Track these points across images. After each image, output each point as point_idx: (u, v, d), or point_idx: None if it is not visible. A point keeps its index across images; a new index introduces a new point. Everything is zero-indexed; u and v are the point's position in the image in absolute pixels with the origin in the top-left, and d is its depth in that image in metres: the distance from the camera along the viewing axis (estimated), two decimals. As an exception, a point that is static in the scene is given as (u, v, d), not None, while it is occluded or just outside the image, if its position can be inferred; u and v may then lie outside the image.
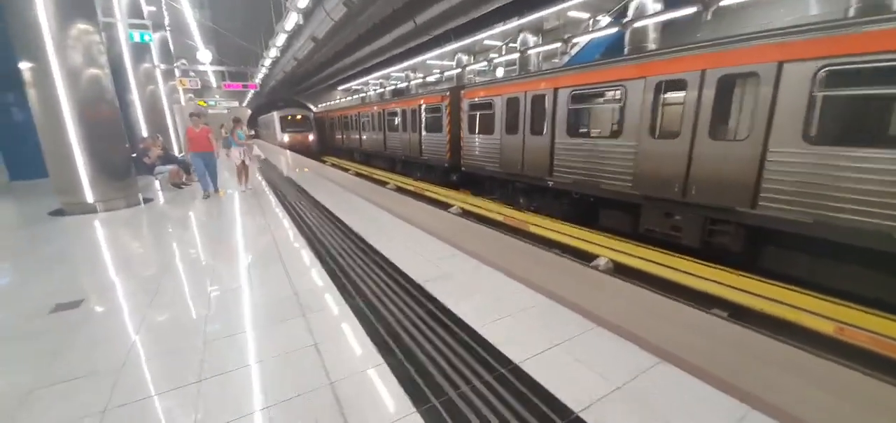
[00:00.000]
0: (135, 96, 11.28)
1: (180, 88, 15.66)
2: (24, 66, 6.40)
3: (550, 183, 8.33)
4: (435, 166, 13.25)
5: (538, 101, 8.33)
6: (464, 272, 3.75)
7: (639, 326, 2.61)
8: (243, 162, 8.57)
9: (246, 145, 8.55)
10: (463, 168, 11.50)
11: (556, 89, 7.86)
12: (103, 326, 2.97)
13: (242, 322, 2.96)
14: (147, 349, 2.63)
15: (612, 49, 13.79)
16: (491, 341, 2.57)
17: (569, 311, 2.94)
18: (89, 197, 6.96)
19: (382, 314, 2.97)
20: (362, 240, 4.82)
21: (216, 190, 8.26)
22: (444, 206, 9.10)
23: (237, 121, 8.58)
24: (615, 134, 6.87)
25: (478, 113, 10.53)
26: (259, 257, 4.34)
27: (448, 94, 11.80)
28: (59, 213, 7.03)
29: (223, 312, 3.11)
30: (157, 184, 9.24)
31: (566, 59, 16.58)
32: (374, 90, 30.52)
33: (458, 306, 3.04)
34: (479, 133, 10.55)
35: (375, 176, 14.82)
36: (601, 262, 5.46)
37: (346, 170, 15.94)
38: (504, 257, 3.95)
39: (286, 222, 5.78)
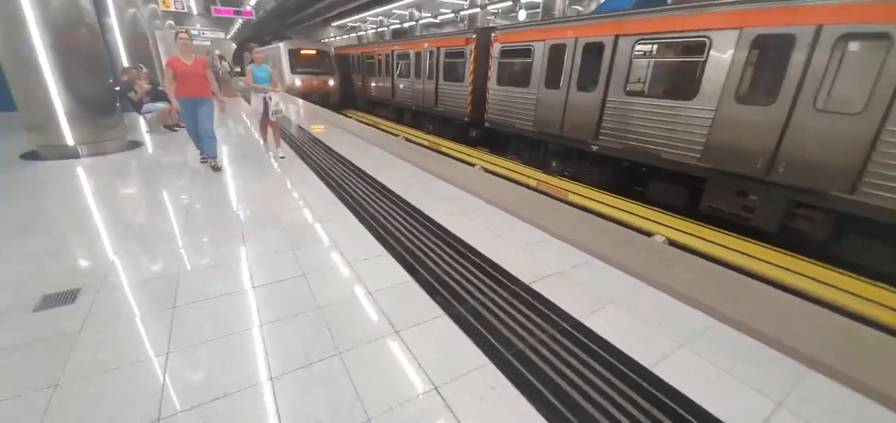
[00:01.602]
0: (113, 19, 9.70)
1: (162, 8, 13.61)
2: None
3: (595, 147, 7.54)
4: (451, 120, 12.23)
5: (592, 49, 7.34)
6: (584, 271, 3.05)
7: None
8: (270, 120, 6.00)
9: (275, 91, 6.00)
10: (486, 124, 10.54)
11: (617, 37, 6.88)
12: (113, 336, 2.18)
13: (316, 350, 2.22)
14: (183, 395, 1.88)
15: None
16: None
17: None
18: (69, 139, 5.89)
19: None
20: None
21: (213, 158, 5.48)
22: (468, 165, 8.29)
23: (253, 50, 6.00)
24: (688, 95, 6.04)
25: (511, 61, 9.45)
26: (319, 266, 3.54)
27: (474, 36, 10.60)
28: (32, 156, 5.97)
29: (292, 337, 2.36)
30: (143, 125, 8.11)
31: (593, 5, 15.25)
32: (373, 30, 28.12)
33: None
34: (510, 85, 9.52)
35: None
36: (658, 240, 4.83)
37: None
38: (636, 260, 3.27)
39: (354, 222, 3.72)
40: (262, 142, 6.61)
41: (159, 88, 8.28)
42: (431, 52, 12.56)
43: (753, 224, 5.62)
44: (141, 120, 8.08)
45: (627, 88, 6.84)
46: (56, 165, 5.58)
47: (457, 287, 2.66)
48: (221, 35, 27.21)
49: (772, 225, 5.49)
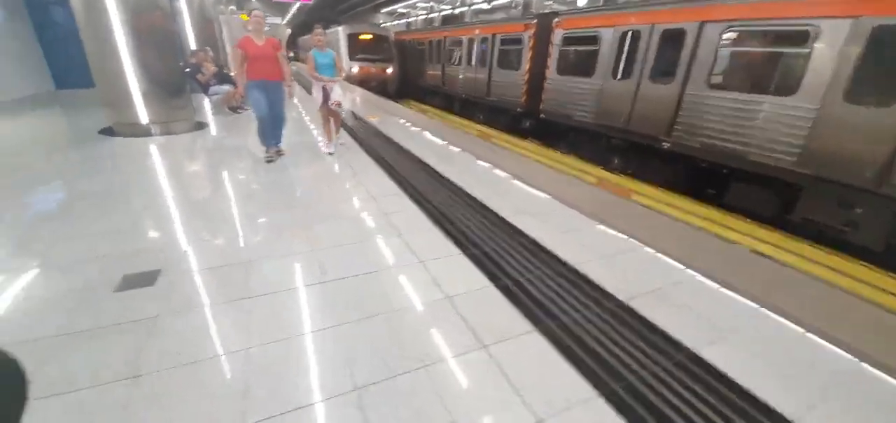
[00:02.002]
0: (183, 3, 10.13)
1: None
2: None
3: (666, 145, 6.93)
4: (504, 110, 11.80)
5: (670, 37, 6.70)
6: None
7: None
8: (330, 109, 5.33)
9: (339, 81, 5.38)
10: (542, 115, 10.06)
11: (702, 24, 6.21)
12: (191, 326, 2.11)
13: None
14: (263, 403, 1.76)
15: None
16: None
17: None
18: (143, 117, 6.14)
19: (587, 350, 2.00)
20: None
21: (278, 146, 5.25)
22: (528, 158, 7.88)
23: (316, 33, 5.21)
24: (785, 91, 5.34)
25: (574, 49, 8.90)
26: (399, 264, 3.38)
27: (534, 21, 10.09)
28: (108, 132, 6.30)
29: (381, 339, 2.21)
30: (208, 106, 8.39)
31: None
32: (423, 16, 27.85)
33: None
34: (571, 74, 8.98)
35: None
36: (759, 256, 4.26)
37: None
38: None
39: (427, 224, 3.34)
40: (322, 135, 5.91)
41: (225, 70, 8.51)
42: (485, 39, 12.16)
43: (853, 240, 4.92)
44: (206, 101, 8.36)
45: (711, 81, 6.18)
46: (130, 142, 5.83)
47: (543, 299, 2.38)
48: (278, 20, 27.93)
49: (878, 244, 4.78)
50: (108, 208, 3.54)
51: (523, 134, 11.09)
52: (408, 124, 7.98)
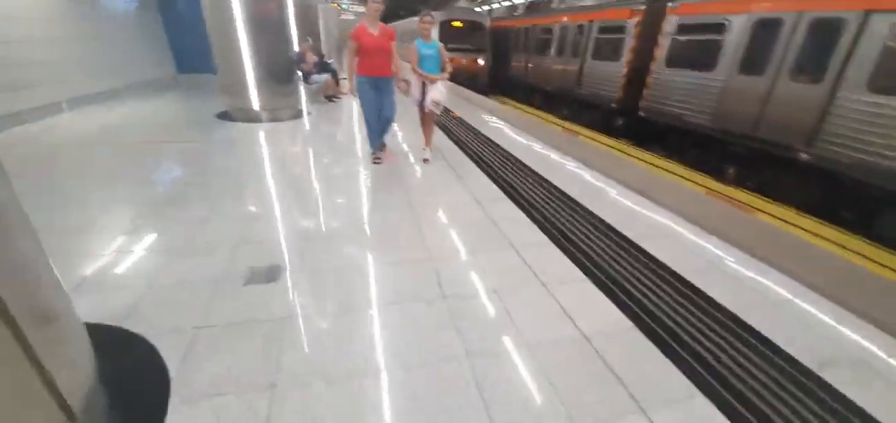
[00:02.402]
0: (287, -7, 10.74)
1: None
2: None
3: (805, 156, 5.86)
4: (594, 106, 10.97)
5: (823, 28, 5.61)
6: None
7: None
8: (428, 109, 4.61)
9: (445, 77, 4.63)
10: (641, 113, 9.14)
11: (867, 12, 5.10)
12: (321, 333, 2.07)
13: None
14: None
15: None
16: None
17: None
18: (255, 103, 6.58)
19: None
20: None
21: (382, 148, 4.82)
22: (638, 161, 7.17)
23: (423, 19, 4.44)
24: None
25: (691, 38, 7.89)
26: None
27: (643, 8, 9.14)
28: (225, 116, 6.85)
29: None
30: (304, 94, 8.75)
31: None
32: (505, 4, 26.91)
33: None
34: (685, 68, 7.99)
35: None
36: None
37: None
38: None
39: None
40: (423, 144, 5.03)
41: (326, 59, 8.85)
42: (580, 27, 11.35)
43: None
44: (302, 89, 8.72)
45: (873, 82, 5.06)
46: (244, 128, 6.26)
47: (704, 353, 1.99)
48: (364, 8, 28.71)
49: None
50: (230, 192, 3.75)
51: (614, 133, 10.23)
52: (501, 122, 7.63)
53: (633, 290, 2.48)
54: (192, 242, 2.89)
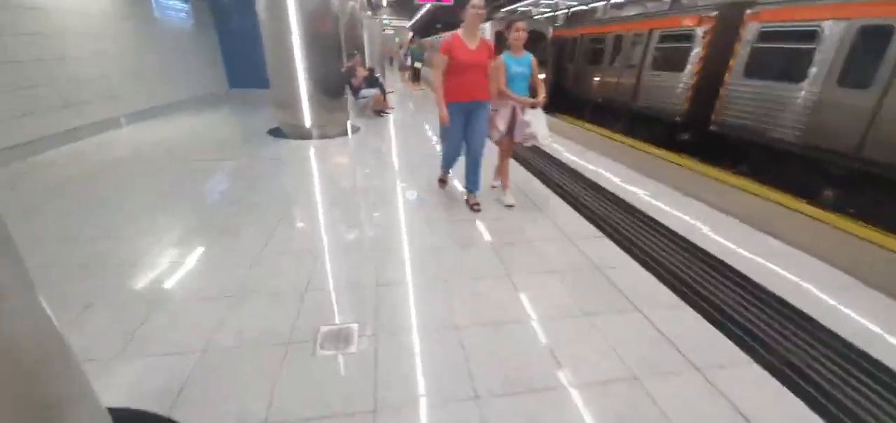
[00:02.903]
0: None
1: None
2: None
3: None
4: (653, 119, 10.06)
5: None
6: None
7: None
8: (522, 141, 3.62)
9: (540, 101, 3.58)
10: (713, 127, 8.25)
11: None
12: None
13: None
14: None
15: None
16: None
17: None
18: (307, 120, 6.30)
19: None
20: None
21: (474, 192, 3.75)
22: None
23: (515, 28, 3.45)
24: None
25: (776, 46, 7.01)
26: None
27: (714, 14, 8.29)
28: (276, 133, 6.62)
29: None
30: (352, 108, 8.43)
31: None
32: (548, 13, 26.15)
33: None
34: (768, 78, 7.11)
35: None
36: None
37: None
38: None
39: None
40: (497, 181, 4.13)
41: (375, 74, 8.56)
42: (637, 35, 10.56)
43: None
44: (350, 104, 8.43)
45: None
46: (295, 145, 5.98)
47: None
48: (405, 23, 28.81)
49: None
50: (286, 220, 3.37)
51: (677, 149, 9.30)
52: (575, 144, 6.83)
53: (802, 367, 1.82)
54: (251, 284, 2.48)
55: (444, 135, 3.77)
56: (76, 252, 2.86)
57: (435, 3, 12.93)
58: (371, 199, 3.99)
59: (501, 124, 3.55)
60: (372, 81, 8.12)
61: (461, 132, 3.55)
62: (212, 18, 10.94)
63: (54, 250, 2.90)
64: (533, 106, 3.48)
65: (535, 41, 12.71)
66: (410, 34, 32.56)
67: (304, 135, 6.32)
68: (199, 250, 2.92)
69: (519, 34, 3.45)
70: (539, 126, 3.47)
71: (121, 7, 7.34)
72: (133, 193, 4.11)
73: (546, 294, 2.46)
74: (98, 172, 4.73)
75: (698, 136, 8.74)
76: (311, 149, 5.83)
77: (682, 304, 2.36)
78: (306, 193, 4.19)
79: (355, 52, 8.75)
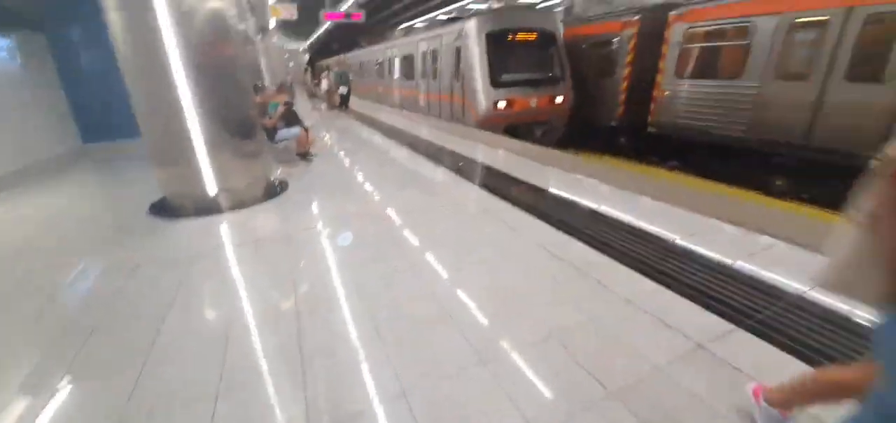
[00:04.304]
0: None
1: (273, 17, 11.77)
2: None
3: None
4: (590, 126, 9.64)
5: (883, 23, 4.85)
6: None
7: None
8: None
9: None
10: (651, 128, 8.15)
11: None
12: None
13: None
14: None
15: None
16: None
17: None
18: (209, 182, 4.38)
19: None
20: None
21: None
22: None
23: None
24: None
25: (706, 46, 7.01)
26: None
27: (636, 19, 8.17)
28: (163, 210, 4.48)
29: None
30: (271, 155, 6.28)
31: None
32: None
33: None
34: (703, 78, 7.10)
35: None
36: None
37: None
38: None
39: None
40: None
41: (293, 108, 6.71)
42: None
43: None
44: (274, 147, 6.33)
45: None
46: (196, 230, 3.98)
47: None
48: (301, 45, 25.78)
49: None
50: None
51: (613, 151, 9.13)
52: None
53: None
54: None
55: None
56: None
57: (344, 20, 11.29)
58: (345, 356, 2.46)
59: None
60: (291, 118, 6.31)
61: None
62: (49, 54, 7.87)
63: None
64: None
65: (545, 47, 8.76)
66: (305, 57, 29.79)
67: (208, 206, 4.36)
68: None
69: None
70: None
71: None
72: None
73: None
74: None
75: (637, 139, 8.62)
76: (224, 232, 3.96)
77: None
78: (230, 347, 2.41)
79: (258, 82, 6.82)
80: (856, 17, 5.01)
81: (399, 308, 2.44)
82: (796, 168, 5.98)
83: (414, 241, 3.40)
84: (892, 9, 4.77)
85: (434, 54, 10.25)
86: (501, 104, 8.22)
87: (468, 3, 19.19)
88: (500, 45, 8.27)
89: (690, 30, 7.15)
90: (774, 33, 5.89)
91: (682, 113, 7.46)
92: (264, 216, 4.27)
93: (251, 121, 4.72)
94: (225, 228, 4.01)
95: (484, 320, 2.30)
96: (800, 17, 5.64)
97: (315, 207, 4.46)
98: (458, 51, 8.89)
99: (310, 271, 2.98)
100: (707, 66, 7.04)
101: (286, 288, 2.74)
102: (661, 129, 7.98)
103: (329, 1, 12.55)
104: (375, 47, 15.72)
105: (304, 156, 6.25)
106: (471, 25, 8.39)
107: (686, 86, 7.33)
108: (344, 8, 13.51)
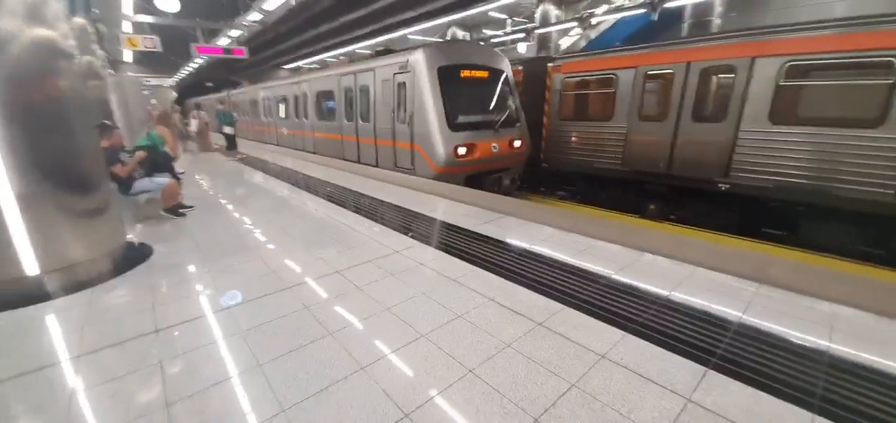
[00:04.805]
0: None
1: (129, 48, 9.64)
2: None
3: (724, 186, 6.19)
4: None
5: (714, 75, 6.10)
6: None
7: None
8: None
9: None
10: (544, 164, 8.88)
11: (753, 59, 5.66)
12: None
13: None
14: None
15: (644, 32, 12.07)
16: None
17: None
18: (26, 259, 3.09)
19: None
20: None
21: None
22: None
23: None
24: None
25: (581, 93, 7.96)
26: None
27: (520, 68, 8.95)
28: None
29: None
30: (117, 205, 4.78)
31: (582, 42, 14.53)
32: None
33: None
34: (581, 120, 8.02)
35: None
36: None
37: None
38: None
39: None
40: None
41: (161, 151, 5.36)
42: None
43: None
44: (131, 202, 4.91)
45: (776, 116, 5.60)
46: (11, 325, 2.75)
47: None
48: (168, 81, 22.37)
49: None
50: None
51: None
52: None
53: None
54: None
55: None
56: None
57: (222, 55, 9.98)
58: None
59: None
60: (155, 164, 5.03)
61: None
62: None
63: None
64: None
65: (495, 83, 7.79)
66: (173, 95, 26.07)
67: (26, 294, 3.06)
68: None
69: None
70: None
71: None
72: None
73: None
74: None
75: (533, 172, 9.28)
76: (47, 334, 2.75)
77: None
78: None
79: (106, 122, 5.39)
80: (693, 70, 6.20)
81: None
82: (665, 194, 7.00)
83: (347, 318, 2.80)
84: (720, 62, 5.99)
85: (363, 91, 8.60)
86: (461, 150, 6.87)
87: (357, 48, 19.27)
88: (453, 81, 7.10)
89: (567, 79, 8.06)
90: (634, 83, 6.95)
91: (566, 149, 8.26)
92: (114, 300, 3.13)
93: (92, 169, 3.57)
94: (52, 324, 2.80)
95: None
96: (650, 70, 6.76)
97: (192, 280, 3.43)
98: (400, 87, 7.43)
99: (184, 388, 2.09)
100: (584, 110, 7.99)
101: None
102: (551, 163, 8.71)
103: (202, 34, 10.95)
104: (273, 83, 14.26)
105: (175, 211, 5.03)
106: (418, 57, 6.99)
107: (568, 126, 8.18)
108: (223, 43, 12.04)
